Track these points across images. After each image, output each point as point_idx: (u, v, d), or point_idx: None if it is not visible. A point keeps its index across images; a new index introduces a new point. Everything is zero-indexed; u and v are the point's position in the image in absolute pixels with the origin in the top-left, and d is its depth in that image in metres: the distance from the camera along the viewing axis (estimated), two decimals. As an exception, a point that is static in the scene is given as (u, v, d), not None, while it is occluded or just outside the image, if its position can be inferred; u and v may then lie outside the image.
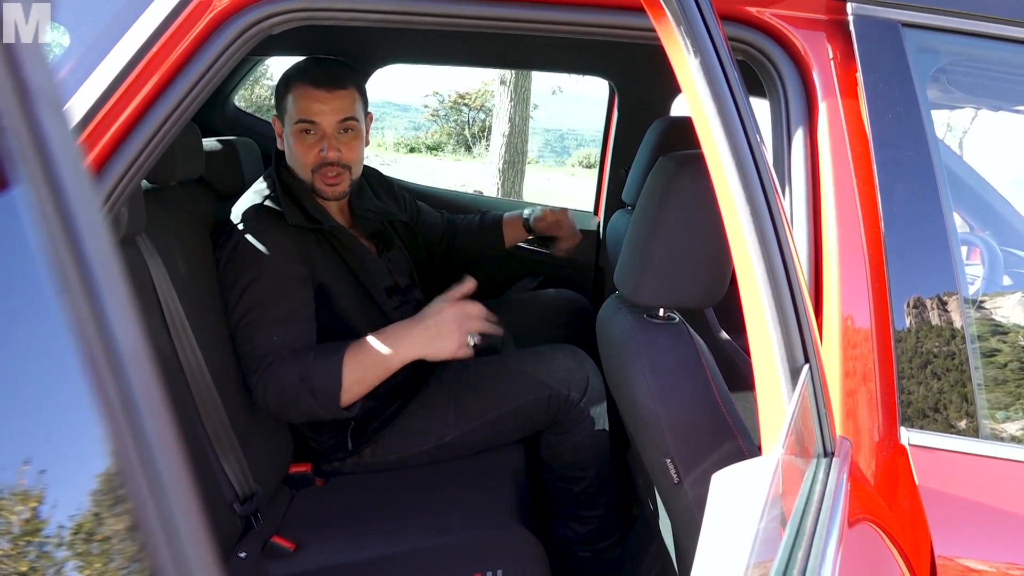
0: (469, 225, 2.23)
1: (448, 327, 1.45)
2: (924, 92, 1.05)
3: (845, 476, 0.82)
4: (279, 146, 1.67)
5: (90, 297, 0.26)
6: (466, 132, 16.97)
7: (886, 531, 0.91)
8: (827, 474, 0.81)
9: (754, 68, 1.13)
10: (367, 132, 1.69)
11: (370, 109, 1.73)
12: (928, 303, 1.01)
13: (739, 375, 1.63)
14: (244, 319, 1.50)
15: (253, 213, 1.58)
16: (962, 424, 0.99)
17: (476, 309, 1.48)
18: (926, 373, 1.00)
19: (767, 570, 0.63)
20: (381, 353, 1.44)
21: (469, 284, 1.53)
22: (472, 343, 1.46)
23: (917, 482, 0.96)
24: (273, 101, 1.69)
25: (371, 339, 1.46)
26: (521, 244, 2.46)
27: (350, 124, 1.61)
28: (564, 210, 2.23)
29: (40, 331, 0.27)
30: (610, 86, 2.61)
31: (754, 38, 1.09)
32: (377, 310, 1.68)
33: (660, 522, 1.37)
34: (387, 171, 2.40)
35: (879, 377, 0.99)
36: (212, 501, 1.35)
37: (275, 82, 1.69)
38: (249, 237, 1.54)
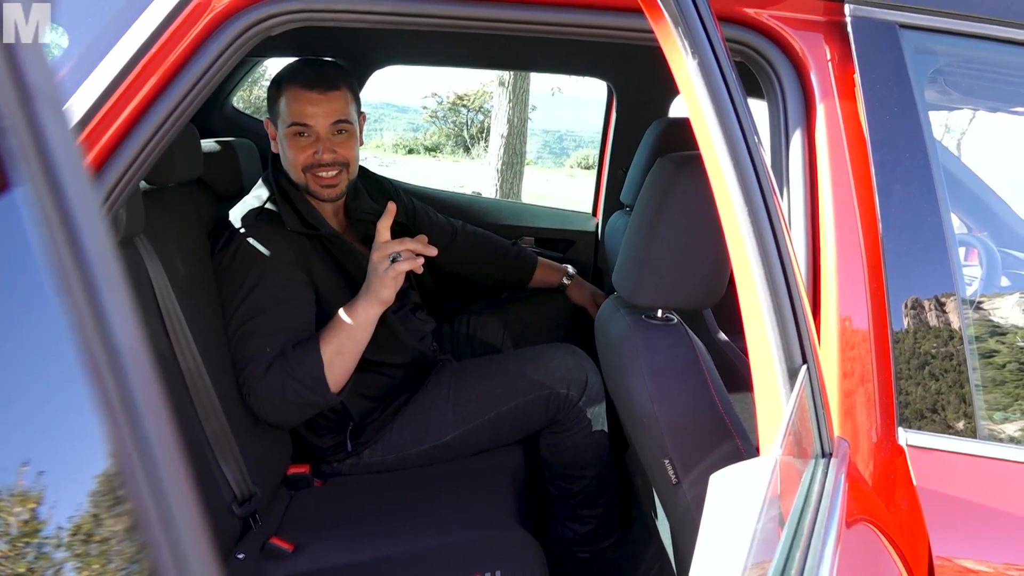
0: (496, 248, 2.18)
1: (376, 274, 1.48)
2: (922, 93, 1.05)
3: (843, 477, 0.82)
4: (273, 149, 1.66)
5: (90, 297, 0.26)
6: (464, 133, 16.93)
7: (884, 532, 0.91)
8: (825, 475, 0.81)
9: (752, 69, 1.13)
10: (361, 132, 1.68)
11: (369, 110, 1.72)
12: (926, 304, 1.01)
13: (737, 376, 1.63)
14: (242, 327, 1.50)
15: (253, 218, 1.57)
16: (960, 425, 1.00)
17: (391, 246, 1.48)
18: (924, 374, 1.00)
19: (765, 570, 0.63)
20: (346, 323, 1.49)
21: (390, 209, 1.53)
22: (391, 261, 1.47)
23: (915, 483, 0.96)
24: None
25: (335, 316, 1.51)
26: (528, 243, 2.47)
27: (343, 126, 1.60)
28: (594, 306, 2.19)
29: (40, 331, 0.27)
30: (608, 87, 2.61)
31: (752, 39, 1.10)
32: None
33: (658, 523, 1.37)
34: (385, 172, 2.39)
35: (877, 378, 1.00)
36: (211, 502, 1.35)
37: (273, 83, 1.68)
38: (251, 242, 1.54)
